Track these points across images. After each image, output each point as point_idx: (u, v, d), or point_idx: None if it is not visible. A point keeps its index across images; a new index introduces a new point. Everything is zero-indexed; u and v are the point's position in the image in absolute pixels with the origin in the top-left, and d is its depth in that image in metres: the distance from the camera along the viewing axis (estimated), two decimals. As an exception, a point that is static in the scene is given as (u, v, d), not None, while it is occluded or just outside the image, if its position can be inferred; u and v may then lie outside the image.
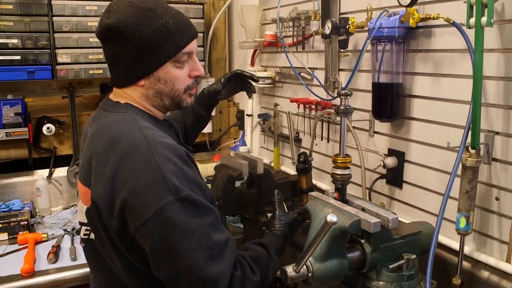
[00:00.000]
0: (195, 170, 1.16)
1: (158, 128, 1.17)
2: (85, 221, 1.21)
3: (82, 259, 1.86)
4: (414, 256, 1.25)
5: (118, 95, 1.25)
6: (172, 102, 1.25)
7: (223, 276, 1.06)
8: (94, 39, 2.29)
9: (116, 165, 1.08)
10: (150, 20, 1.15)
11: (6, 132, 2.27)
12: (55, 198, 2.46)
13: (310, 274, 1.18)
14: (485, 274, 1.34)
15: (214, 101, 1.75)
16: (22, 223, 2.06)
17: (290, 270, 1.17)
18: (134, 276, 1.17)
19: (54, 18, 2.21)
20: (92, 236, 1.21)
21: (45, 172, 2.44)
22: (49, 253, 1.87)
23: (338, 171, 1.37)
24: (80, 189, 1.22)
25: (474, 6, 1.18)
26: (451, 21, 1.31)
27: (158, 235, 1.04)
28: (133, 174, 1.05)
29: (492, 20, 1.16)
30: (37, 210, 2.35)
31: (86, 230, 1.23)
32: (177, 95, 1.24)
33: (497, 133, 1.29)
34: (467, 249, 1.38)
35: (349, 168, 1.38)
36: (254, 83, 1.75)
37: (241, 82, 1.76)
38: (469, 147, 1.25)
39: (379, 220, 1.17)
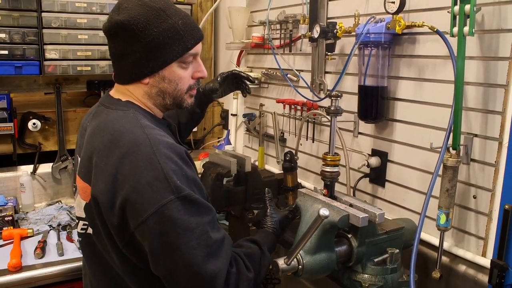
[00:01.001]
0: (194, 169, 1.17)
1: (158, 127, 1.19)
2: (83, 215, 1.22)
3: (69, 254, 1.88)
4: (397, 250, 1.31)
5: (120, 92, 1.26)
6: (173, 102, 1.26)
7: (220, 273, 1.09)
8: (83, 36, 2.29)
9: (118, 162, 1.09)
10: (160, 20, 1.16)
11: (-9, 127, 2.24)
12: (39, 194, 2.44)
13: (300, 266, 1.22)
14: (462, 267, 1.41)
15: (209, 100, 1.77)
16: (6, 218, 2.05)
17: (281, 262, 1.21)
18: (131, 271, 1.19)
19: (43, 14, 2.20)
20: (90, 230, 1.22)
21: (29, 168, 2.42)
22: (36, 248, 1.86)
23: (328, 169, 1.43)
24: (79, 184, 1.23)
25: (457, 16, 1.25)
26: (435, 29, 1.39)
27: (158, 232, 1.05)
28: (135, 172, 1.07)
29: (473, 30, 1.24)
30: (20, 206, 2.33)
31: (84, 224, 1.24)
32: (179, 95, 1.25)
33: (476, 135, 1.37)
34: (446, 245, 1.45)
35: (337, 166, 1.44)
36: (249, 83, 1.80)
37: (236, 82, 1.80)
38: (450, 148, 1.32)
39: (367, 215, 1.23)
